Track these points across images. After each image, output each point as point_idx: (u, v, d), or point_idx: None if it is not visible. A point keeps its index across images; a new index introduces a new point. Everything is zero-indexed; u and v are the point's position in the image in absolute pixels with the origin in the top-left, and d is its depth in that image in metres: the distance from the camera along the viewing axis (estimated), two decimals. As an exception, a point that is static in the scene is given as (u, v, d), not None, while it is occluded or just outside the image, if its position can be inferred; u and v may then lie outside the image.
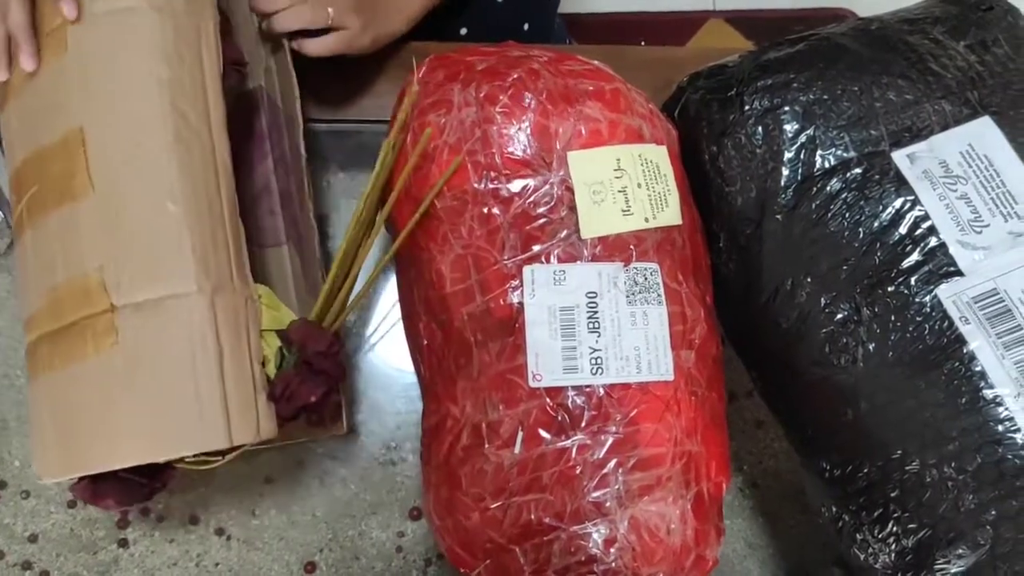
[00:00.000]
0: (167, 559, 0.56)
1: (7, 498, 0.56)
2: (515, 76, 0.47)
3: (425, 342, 0.48)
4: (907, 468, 0.44)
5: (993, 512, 0.42)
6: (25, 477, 0.56)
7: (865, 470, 0.45)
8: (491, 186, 0.46)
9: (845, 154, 0.48)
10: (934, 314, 0.44)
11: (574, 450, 0.43)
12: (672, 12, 1.28)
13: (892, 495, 0.44)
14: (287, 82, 0.54)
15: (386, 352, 0.60)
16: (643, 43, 1.04)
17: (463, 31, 0.71)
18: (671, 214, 0.48)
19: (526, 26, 0.74)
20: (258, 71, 0.56)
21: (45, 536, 0.56)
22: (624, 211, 0.46)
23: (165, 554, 0.56)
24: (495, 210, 0.45)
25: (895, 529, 0.44)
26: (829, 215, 0.47)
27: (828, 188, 0.48)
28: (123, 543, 0.56)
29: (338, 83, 0.61)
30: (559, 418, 0.43)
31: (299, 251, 0.54)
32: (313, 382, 0.46)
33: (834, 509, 0.48)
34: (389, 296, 0.61)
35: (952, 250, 0.45)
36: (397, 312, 0.59)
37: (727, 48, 0.97)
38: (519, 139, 0.46)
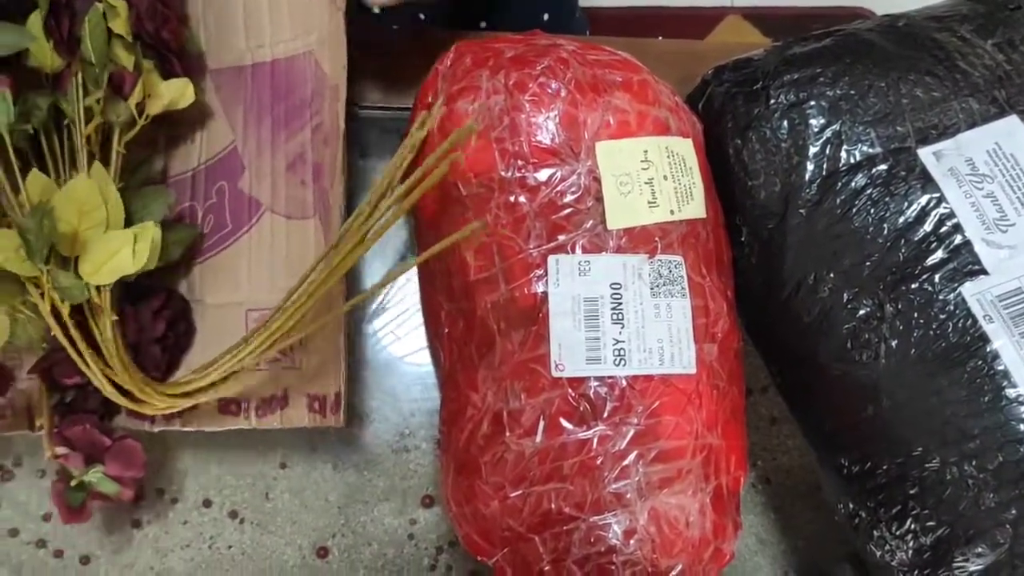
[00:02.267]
0: (180, 540, 0.56)
1: (22, 476, 0.56)
2: (544, 64, 0.47)
3: (446, 330, 0.48)
4: (927, 466, 0.44)
5: (1013, 511, 0.42)
6: (41, 456, 0.56)
7: (884, 467, 0.45)
8: (518, 174, 0.45)
9: (871, 150, 0.48)
10: (958, 312, 0.44)
11: (595, 440, 0.43)
12: (690, 7, 1.28)
13: (911, 492, 0.44)
14: (337, 49, 0.53)
15: (402, 339, 0.60)
16: (660, 38, 1.04)
17: (482, 24, 0.71)
18: (696, 207, 0.47)
19: (546, 16, 0.74)
20: (310, 37, 0.56)
21: (59, 515, 0.56)
22: (650, 203, 0.46)
23: (178, 535, 0.56)
24: (521, 198, 0.45)
25: (913, 526, 0.44)
26: (853, 211, 0.47)
27: (853, 184, 0.48)
28: (136, 524, 0.56)
29: (360, 69, 0.61)
30: (581, 408, 0.43)
31: (324, 226, 0.54)
32: None
33: (851, 506, 0.48)
34: (405, 283, 0.60)
35: (977, 248, 0.45)
36: (413, 299, 0.59)
37: (748, 43, 0.97)
38: (547, 128, 0.46)
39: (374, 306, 0.60)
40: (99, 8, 0.49)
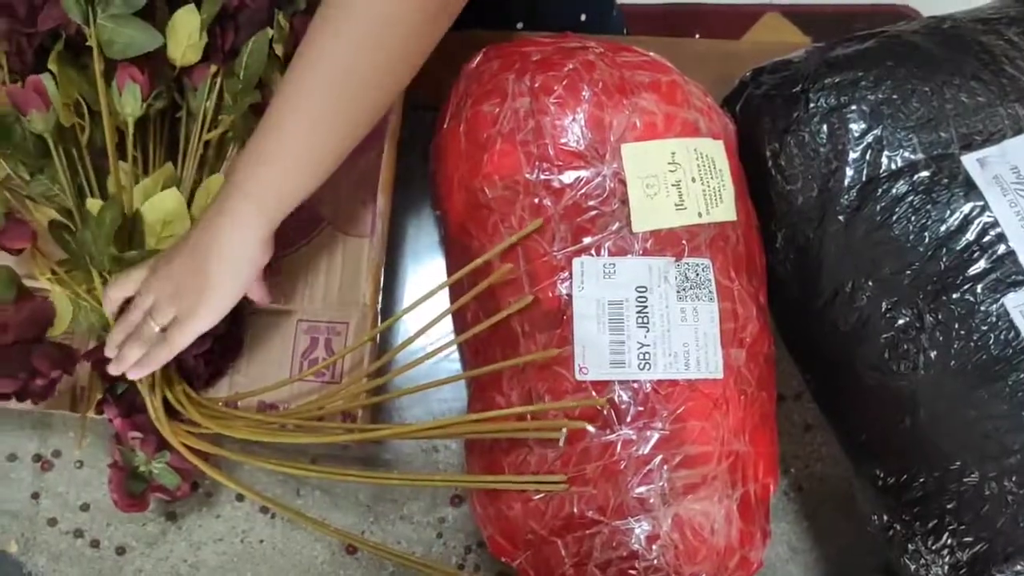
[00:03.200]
0: (213, 534, 0.57)
1: (61, 467, 0.58)
2: (570, 67, 0.47)
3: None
4: (965, 480, 0.42)
5: (1055, 530, 0.40)
6: (81, 447, 0.58)
7: (921, 479, 0.44)
8: (543, 177, 0.45)
9: (913, 156, 0.47)
10: (1000, 324, 0.43)
11: (619, 445, 0.42)
12: (728, 4, 1.26)
13: (948, 507, 0.43)
14: None
15: (433, 340, 0.60)
16: (697, 36, 1.03)
17: (519, 25, 0.70)
18: (725, 210, 0.47)
19: (583, 16, 0.74)
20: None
21: (96, 506, 0.57)
22: (677, 205, 0.45)
23: (211, 529, 0.57)
24: (546, 201, 0.45)
25: (950, 541, 0.43)
26: (894, 218, 0.46)
27: (894, 190, 0.46)
28: (171, 516, 0.57)
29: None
30: (605, 412, 0.43)
31: (374, 245, 0.55)
32: None
33: (885, 518, 0.46)
34: (436, 282, 0.60)
35: (1021, 258, 0.43)
36: (444, 300, 0.59)
37: (785, 43, 0.95)
38: (573, 130, 0.45)
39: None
40: (268, 32, 0.51)
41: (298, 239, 0.56)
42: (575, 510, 0.43)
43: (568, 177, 0.45)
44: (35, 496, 0.57)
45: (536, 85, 0.46)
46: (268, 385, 0.53)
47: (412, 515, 0.57)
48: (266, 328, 0.55)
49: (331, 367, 0.54)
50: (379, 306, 0.56)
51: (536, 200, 0.45)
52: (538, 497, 0.43)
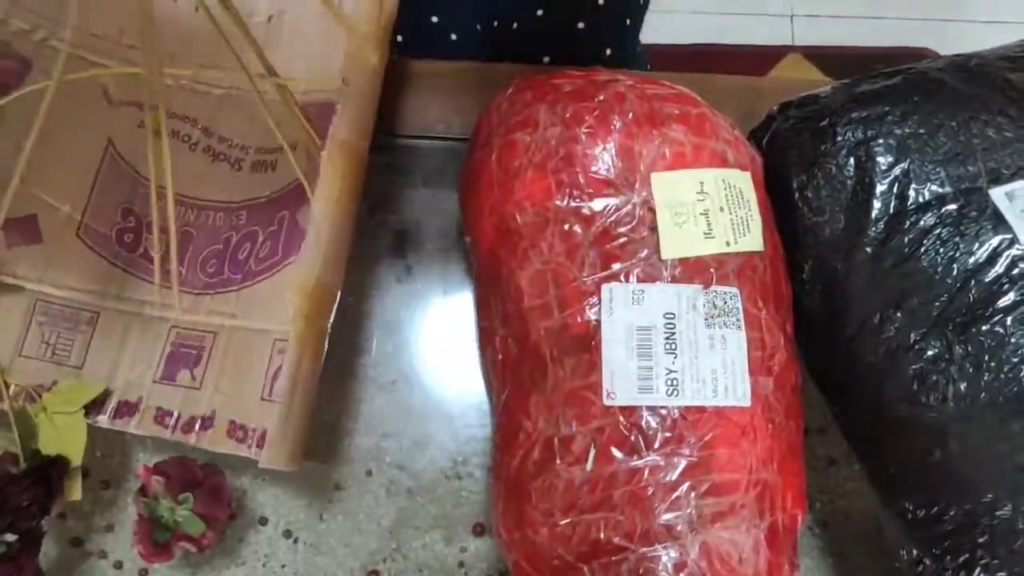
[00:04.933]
0: (236, 558, 0.57)
1: (88, 487, 0.58)
2: (601, 98, 0.48)
3: (500, 356, 0.49)
4: (998, 514, 0.42)
5: (1091, 567, 0.40)
6: (106, 467, 0.58)
7: (952, 513, 0.43)
8: (573, 204, 0.46)
9: (940, 189, 0.47)
10: (1031, 356, 0.43)
11: (646, 471, 0.42)
12: (751, 45, 1.28)
13: (980, 541, 0.42)
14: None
15: (461, 365, 0.60)
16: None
17: (546, 59, 0.72)
18: (753, 239, 0.47)
19: (608, 51, 0.75)
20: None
21: (121, 527, 0.58)
22: (705, 234, 0.46)
23: (234, 552, 0.57)
24: (576, 228, 0.46)
25: (982, 577, 0.42)
26: (922, 250, 0.46)
27: (922, 223, 0.47)
28: (195, 539, 0.57)
29: (424, 100, 0.62)
30: (632, 437, 0.43)
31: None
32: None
33: (914, 552, 0.46)
34: (464, 310, 0.61)
35: (1052, 291, 0.43)
36: (471, 326, 0.60)
37: (812, 79, 0.96)
38: (603, 159, 0.46)
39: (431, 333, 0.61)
40: None
41: (285, 257, 0.56)
42: (602, 536, 0.42)
43: (598, 204, 0.45)
44: (62, 516, 0.58)
45: (568, 115, 0.47)
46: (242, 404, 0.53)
47: (434, 543, 0.57)
48: (243, 344, 0.56)
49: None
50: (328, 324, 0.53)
51: (566, 227, 0.45)
52: (564, 522, 0.43)
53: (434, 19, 0.76)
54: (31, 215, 0.55)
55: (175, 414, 0.55)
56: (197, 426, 0.54)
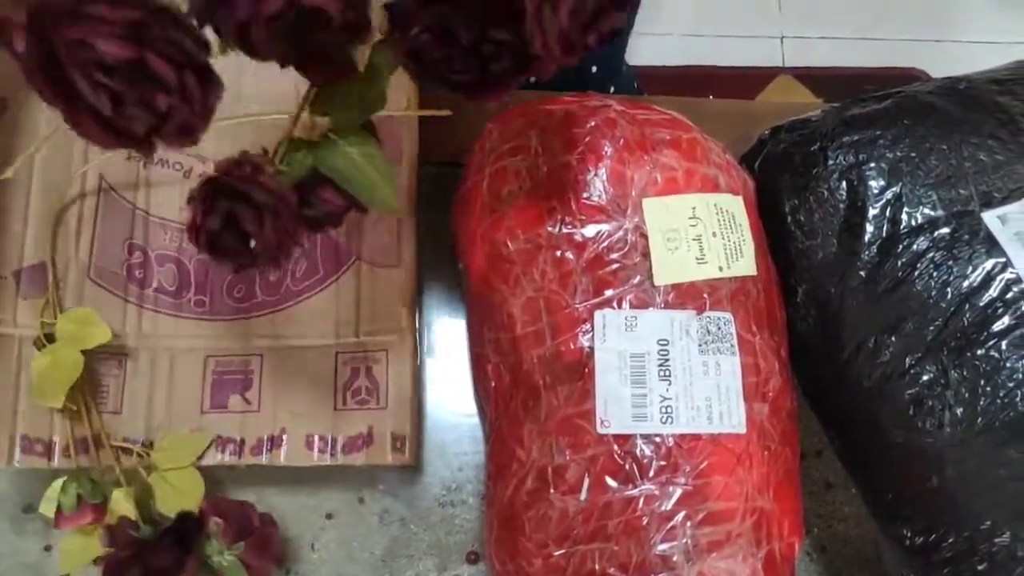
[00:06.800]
0: (227, 589, 0.56)
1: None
2: (592, 124, 0.48)
3: (493, 383, 0.48)
4: (997, 540, 0.41)
5: (1091, 594, 0.39)
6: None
7: (950, 540, 0.43)
8: (565, 230, 0.46)
9: (933, 213, 0.47)
10: (1027, 380, 0.42)
11: (641, 500, 0.42)
12: (741, 67, 1.28)
13: (979, 568, 0.42)
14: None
15: (453, 393, 0.60)
16: (711, 97, 1.05)
17: (531, 79, 0.72)
18: (746, 264, 0.47)
19: (594, 68, 0.76)
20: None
21: (111, 557, 0.57)
22: (698, 259, 0.46)
23: (226, 583, 0.56)
24: (568, 254, 0.45)
25: (981, 605, 0.42)
26: (916, 274, 0.46)
27: (915, 246, 0.47)
28: (185, 569, 0.56)
29: (421, 127, 0.62)
30: (626, 466, 0.42)
31: (408, 274, 0.57)
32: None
33: (914, 580, 0.45)
34: (458, 337, 0.61)
35: (1046, 314, 0.43)
36: (464, 353, 0.59)
37: (803, 103, 0.97)
38: (595, 185, 0.46)
39: (424, 359, 0.61)
40: None
41: (328, 274, 0.56)
42: (597, 567, 0.42)
43: (590, 231, 0.45)
44: (48, 549, 0.57)
45: (559, 142, 0.47)
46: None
47: (427, 571, 0.56)
48: (304, 362, 0.55)
49: (375, 393, 0.54)
50: (418, 330, 0.56)
51: (558, 253, 0.45)
52: (559, 553, 0.43)
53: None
54: (40, 263, 0.55)
55: (237, 439, 0.54)
56: (266, 447, 0.54)
